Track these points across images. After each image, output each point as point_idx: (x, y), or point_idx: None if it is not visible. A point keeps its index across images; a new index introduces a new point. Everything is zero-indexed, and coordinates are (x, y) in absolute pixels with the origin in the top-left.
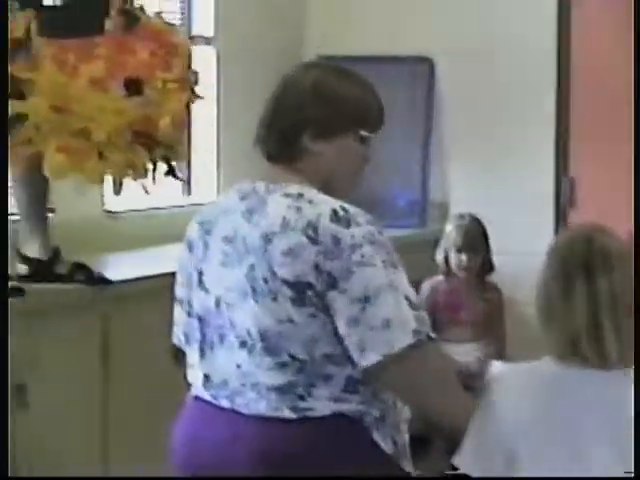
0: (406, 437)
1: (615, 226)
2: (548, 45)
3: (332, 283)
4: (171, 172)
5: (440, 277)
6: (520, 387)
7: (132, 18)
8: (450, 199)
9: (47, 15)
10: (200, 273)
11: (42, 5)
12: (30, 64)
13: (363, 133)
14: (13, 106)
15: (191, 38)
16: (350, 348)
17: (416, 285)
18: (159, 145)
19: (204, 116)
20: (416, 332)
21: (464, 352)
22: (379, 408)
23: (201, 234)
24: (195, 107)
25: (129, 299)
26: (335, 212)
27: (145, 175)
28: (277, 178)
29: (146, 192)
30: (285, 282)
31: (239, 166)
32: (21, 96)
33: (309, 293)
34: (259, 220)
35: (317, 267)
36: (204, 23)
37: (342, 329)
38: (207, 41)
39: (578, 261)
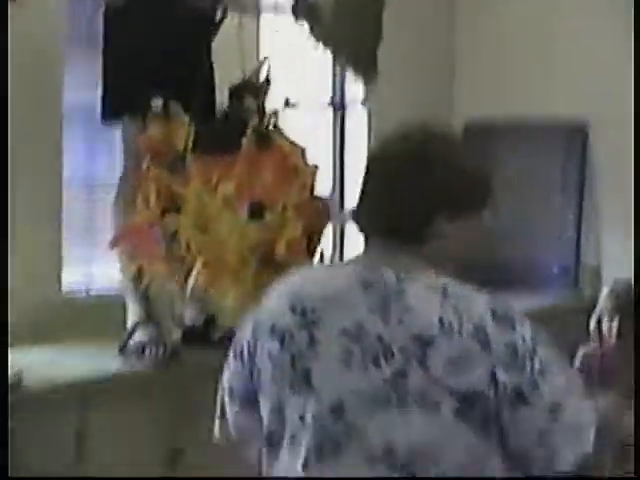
0: None
1: None
2: None
3: (518, 397)
4: None
5: (595, 345)
6: None
7: (264, 138)
8: (603, 264)
9: (199, 132)
10: (303, 369)
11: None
12: (183, 179)
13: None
14: (169, 221)
15: (342, 102)
16: (531, 457)
17: (571, 352)
18: (284, 270)
19: (356, 175)
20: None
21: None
22: None
23: (300, 324)
24: (347, 164)
25: None
26: (493, 311)
27: None
28: (400, 261)
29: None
30: (452, 392)
31: None
32: (177, 211)
33: (478, 406)
34: (400, 316)
35: (493, 377)
36: (357, 85)
37: (525, 441)
38: (361, 102)
39: None
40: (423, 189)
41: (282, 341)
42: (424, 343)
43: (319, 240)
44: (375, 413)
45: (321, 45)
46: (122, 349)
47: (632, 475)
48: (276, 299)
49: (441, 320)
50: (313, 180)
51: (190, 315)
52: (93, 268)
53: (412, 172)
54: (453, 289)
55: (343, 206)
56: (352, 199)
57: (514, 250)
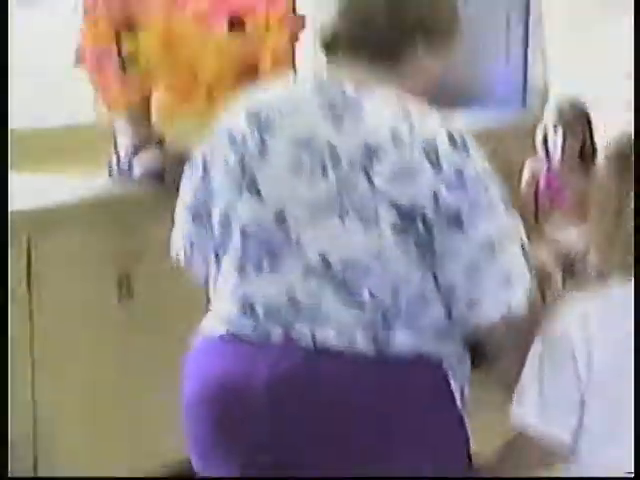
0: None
1: None
2: None
3: (455, 221)
4: None
5: (541, 159)
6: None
7: None
8: (551, 81)
9: None
10: (252, 176)
11: None
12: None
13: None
14: (126, 42)
15: None
16: (457, 296)
17: (518, 169)
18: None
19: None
20: (529, 290)
21: (568, 237)
22: (457, 353)
23: (253, 128)
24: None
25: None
26: (451, 136)
27: None
28: (365, 79)
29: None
30: (393, 205)
31: None
32: (130, 28)
33: (419, 223)
34: (354, 126)
35: (435, 197)
36: None
37: (454, 274)
38: None
39: None
40: (405, 8)
41: (234, 144)
42: (372, 152)
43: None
44: (316, 223)
45: None
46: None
47: (632, 475)
48: (235, 109)
49: (393, 131)
50: None
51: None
52: None
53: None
54: (412, 106)
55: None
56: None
57: (461, 70)
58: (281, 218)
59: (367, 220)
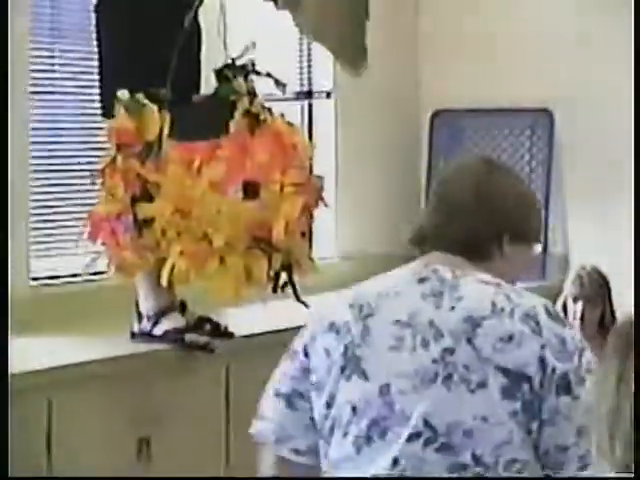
0: None
1: None
2: None
3: (565, 386)
4: (291, 283)
5: None
6: None
7: (256, 120)
8: (571, 251)
9: (177, 118)
10: (356, 360)
11: (175, 105)
12: (158, 166)
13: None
14: (141, 209)
15: (310, 92)
16: (569, 456)
17: None
18: (278, 251)
19: (324, 167)
20: None
21: None
22: None
23: (357, 317)
24: (315, 157)
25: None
26: (547, 308)
27: (265, 285)
28: (459, 267)
29: (264, 304)
30: (501, 369)
31: (357, 219)
32: (150, 199)
33: (525, 387)
34: (453, 303)
35: (542, 361)
36: (324, 76)
37: (567, 438)
38: (326, 94)
39: None
40: (491, 215)
41: (338, 333)
42: (474, 323)
43: (312, 220)
44: (420, 391)
45: (306, 36)
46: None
47: (632, 475)
48: (336, 300)
49: (493, 304)
50: (312, 158)
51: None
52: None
53: (482, 201)
54: (505, 284)
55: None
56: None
57: None
58: (386, 391)
59: (474, 384)
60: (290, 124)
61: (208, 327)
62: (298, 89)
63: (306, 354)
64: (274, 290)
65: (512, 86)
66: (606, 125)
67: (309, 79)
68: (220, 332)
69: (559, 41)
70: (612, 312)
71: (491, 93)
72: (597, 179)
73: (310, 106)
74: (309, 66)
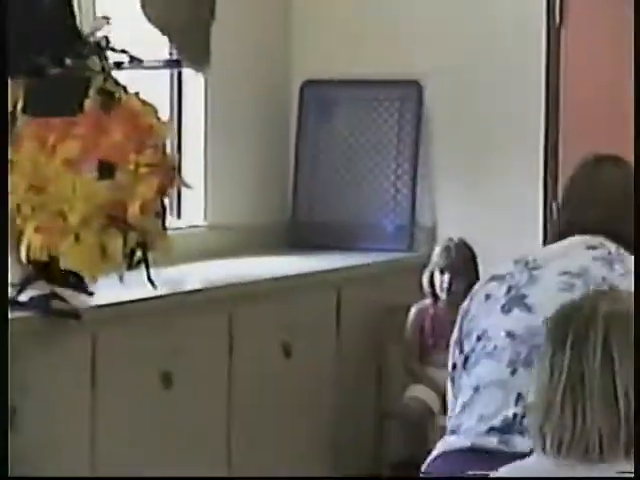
0: None
1: None
2: (535, 64)
3: None
4: (145, 262)
5: (427, 301)
6: None
7: (111, 98)
8: (438, 223)
9: (31, 93)
10: (522, 296)
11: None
12: (12, 142)
13: None
14: None
15: (179, 61)
16: None
17: (405, 310)
18: (133, 230)
19: (194, 138)
20: None
21: None
22: None
23: (522, 268)
24: (184, 127)
25: (116, 321)
26: None
27: (121, 263)
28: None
29: (121, 280)
30: None
31: (226, 189)
32: None
33: None
34: (623, 271)
35: None
36: None
37: None
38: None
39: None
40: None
41: (502, 279)
42: None
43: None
44: None
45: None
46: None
47: (632, 475)
48: (504, 263)
49: None
50: (166, 139)
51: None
52: None
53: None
54: None
55: (181, 167)
56: (191, 163)
57: (349, 210)
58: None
59: None
60: (146, 103)
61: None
62: (168, 57)
63: (466, 312)
64: (129, 267)
65: (382, 58)
66: (475, 99)
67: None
68: (87, 291)
69: (429, 14)
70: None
71: (361, 64)
72: (465, 152)
73: (180, 74)
74: None
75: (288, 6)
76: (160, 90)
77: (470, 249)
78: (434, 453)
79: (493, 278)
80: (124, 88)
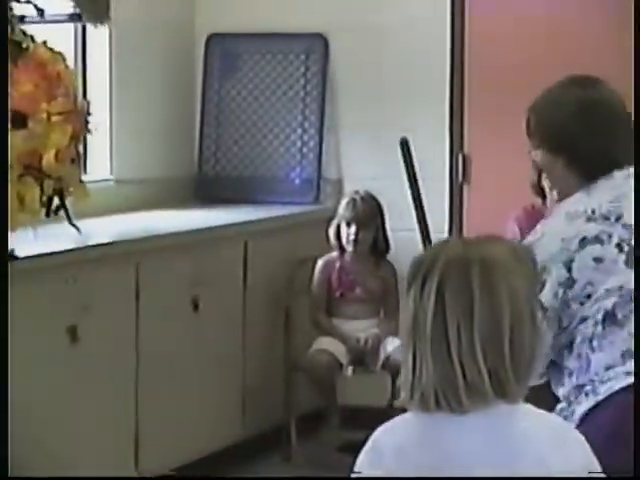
0: None
1: (511, 204)
2: (442, 19)
3: None
4: (63, 208)
5: (334, 254)
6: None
7: (19, 48)
8: (345, 176)
9: None
10: (627, 254)
11: None
12: None
13: None
14: None
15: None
16: None
17: (312, 262)
18: (49, 178)
19: (98, 92)
20: None
21: (359, 329)
22: None
23: (610, 223)
24: (89, 82)
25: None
26: None
27: (39, 211)
28: None
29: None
30: None
31: (132, 143)
32: None
33: None
34: None
35: None
36: None
37: None
38: None
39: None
40: None
41: (599, 240)
42: None
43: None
44: None
45: None
46: None
47: (632, 475)
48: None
49: None
50: (75, 85)
51: None
52: None
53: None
54: None
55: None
56: (95, 115)
57: (255, 163)
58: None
59: None
60: (54, 51)
61: None
62: (71, 12)
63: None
64: (47, 214)
65: (287, 11)
66: (380, 52)
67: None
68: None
69: None
70: (385, 236)
71: (266, 17)
72: (371, 106)
73: (84, 28)
74: None
75: None
76: (65, 44)
77: (376, 201)
78: (602, 390)
79: (584, 242)
80: (31, 37)
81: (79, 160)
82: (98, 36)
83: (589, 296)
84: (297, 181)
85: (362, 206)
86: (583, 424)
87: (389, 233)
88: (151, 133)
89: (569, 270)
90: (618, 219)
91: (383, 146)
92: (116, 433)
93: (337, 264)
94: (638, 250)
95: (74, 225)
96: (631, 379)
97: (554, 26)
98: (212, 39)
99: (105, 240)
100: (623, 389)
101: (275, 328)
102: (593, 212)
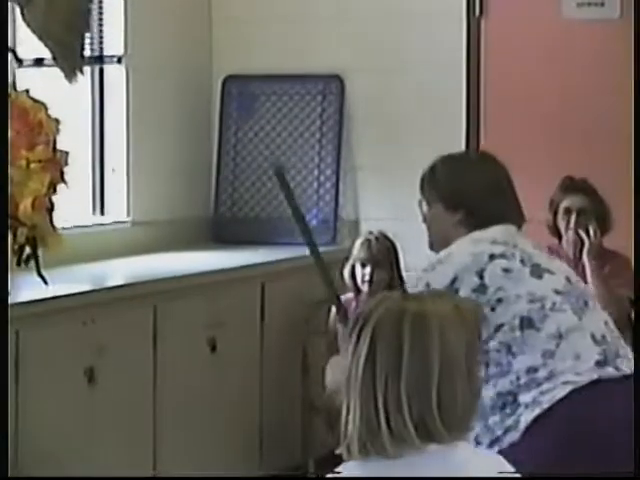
0: None
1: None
2: (458, 59)
3: None
4: (34, 257)
5: (350, 295)
6: None
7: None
8: (361, 217)
9: None
10: (537, 264)
11: None
12: None
13: None
14: None
15: (101, 57)
16: None
17: (329, 303)
18: (24, 226)
19: (116, 134)
20: None
21: None
22: None
23: (510, 247)
24: (107, 123)
25: (39, 318)
26: None
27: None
28: None
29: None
30: None
31: (149, 185)
32: None
33: None
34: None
35: None
36: (115, 42)
37: None
38: (117, 59)
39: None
40: None
41: (505, 257)
42: None
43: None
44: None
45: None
46: None
47: (632, 475)
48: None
49: None
50: (57, 134)
51: None
52: None
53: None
54: None
55: (103, 163)
56: (113, 157)
57: (272, 205)
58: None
59: None
60: (35, 100)
61: None
62: (89, 53)
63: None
64: (18, 263)
65: (303, 52)
66: (397, 94)
67: (100, 44)
68: None
69: (350, 9)
70: (400, 275)
71: (282, 59)
72: (387, 147)
73: (101, 71)
74: (100, 31)
75: (210, 0)
76: (81, 86)
77: (390, 241)
78: (544, 400)
79: (493, 257)
80: (14, 85)
81: (52, 210)
82: (116, 78)
83: (500, 300)
84: (314, 222)
85: (377, 246)
86: (529, 433)
87: (404, 273)
88: (168, 175)
89: (481, 278)
90: (515, 246)
91: (399, 186)
92: (134, 475)
93: (353, 304)
94: (638, 257)
95: (42, 276)
96: (570, 387)
97: (570, 61)
98: (229, 81)
99: (122, 282)
100: (566, 397)
101: (292, 369)
102: (495, 240)
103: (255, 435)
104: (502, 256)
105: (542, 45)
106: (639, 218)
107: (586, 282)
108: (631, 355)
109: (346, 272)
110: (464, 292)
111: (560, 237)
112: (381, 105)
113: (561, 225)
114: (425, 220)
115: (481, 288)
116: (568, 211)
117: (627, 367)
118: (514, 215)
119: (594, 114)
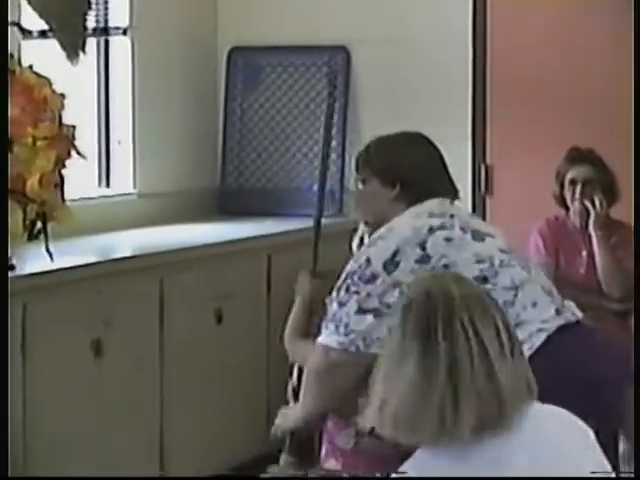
0: None
1: (534, 215)
2: (464, 31)
3: None
4: (44, 232)
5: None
6: None
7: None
8: None
9: None
10: (477, 230)
11: None
12: None
13: None
14: None
15: (106, 29)
16: None
17: (335, 275)
18: (33, 202)
19: (121, 106)
20: None
21: None
22: None
23: (448, 218)
24: (112, 95)
25: (46, 290)
26: None
27: (22, 235)
28: None
29: (12, 268)
30: None
31: (155, 156)
32: None
33: None
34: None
35: None
36: (120, 13)
37: None
38: (123, 31)
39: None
40: None
41: (444, 227)
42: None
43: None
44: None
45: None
46: None
47: (632, 475)
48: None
49: None
50: (62, 109)
51: None
52: None
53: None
54: None
55: (109, 135)
56: (118, 129)
57: (278, 176)
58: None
59: None
60: (40, 76)
61: None
62: (94, 25)
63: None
64: (29, 238)
65: (309, 23)
66: (403, 64)
67: (105, 15)
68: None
69: None
70: None
71: (288, 30)
72: (393, 118)
73: (107, 42)
74: (106, 2)
75: None
76: (86, 58)
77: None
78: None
79: (432, 229)
80: (19, 61)
81: (62, 185)
82: (121, 50)
83: (446, 266)
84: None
85: None
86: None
87: None
88: (174, 146)
89: (423, 249)
90: (452, 216)
91: None
92: (140, 446)
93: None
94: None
95: (50, 253)
96: (545, 334)
97: (575, 37)
98: (234, 52)
99: (128, 254)
100: (546, 342)
101: None
102: (432, 213)
103: (262, 406)
104: (442, 227)
105: (549, 16)
106: (639, 215)
107: (593, 253)
108: (573, 304)
109: (354, 244)
110: (405, 264)
111: (567, 208)
112: (387, 76)
113: (567, 196)
114: (359, 198)
115: (425, 258)
116: (574, 182)
117: (575, 316)
118: (448, 189)
119: (600, 85)
